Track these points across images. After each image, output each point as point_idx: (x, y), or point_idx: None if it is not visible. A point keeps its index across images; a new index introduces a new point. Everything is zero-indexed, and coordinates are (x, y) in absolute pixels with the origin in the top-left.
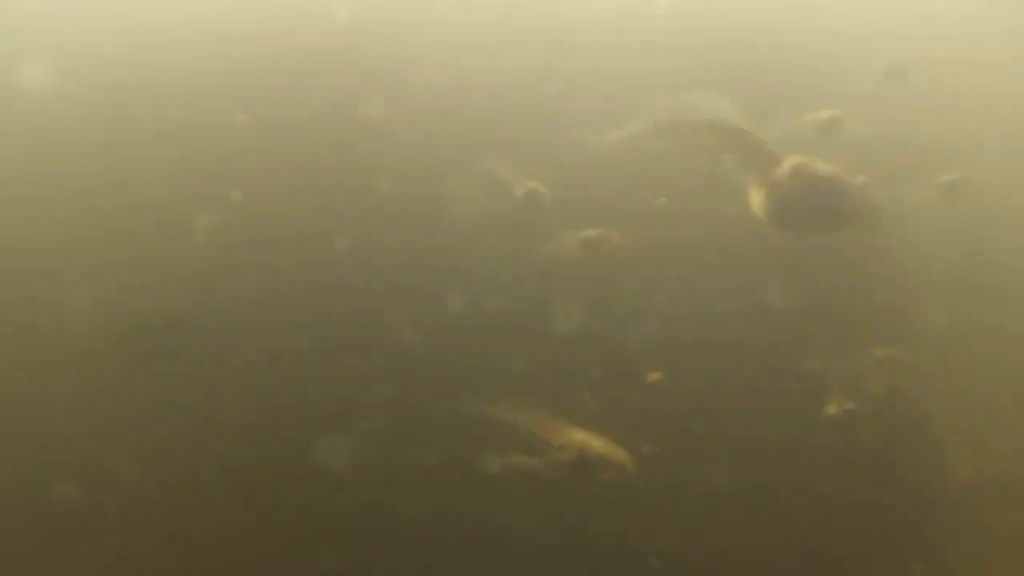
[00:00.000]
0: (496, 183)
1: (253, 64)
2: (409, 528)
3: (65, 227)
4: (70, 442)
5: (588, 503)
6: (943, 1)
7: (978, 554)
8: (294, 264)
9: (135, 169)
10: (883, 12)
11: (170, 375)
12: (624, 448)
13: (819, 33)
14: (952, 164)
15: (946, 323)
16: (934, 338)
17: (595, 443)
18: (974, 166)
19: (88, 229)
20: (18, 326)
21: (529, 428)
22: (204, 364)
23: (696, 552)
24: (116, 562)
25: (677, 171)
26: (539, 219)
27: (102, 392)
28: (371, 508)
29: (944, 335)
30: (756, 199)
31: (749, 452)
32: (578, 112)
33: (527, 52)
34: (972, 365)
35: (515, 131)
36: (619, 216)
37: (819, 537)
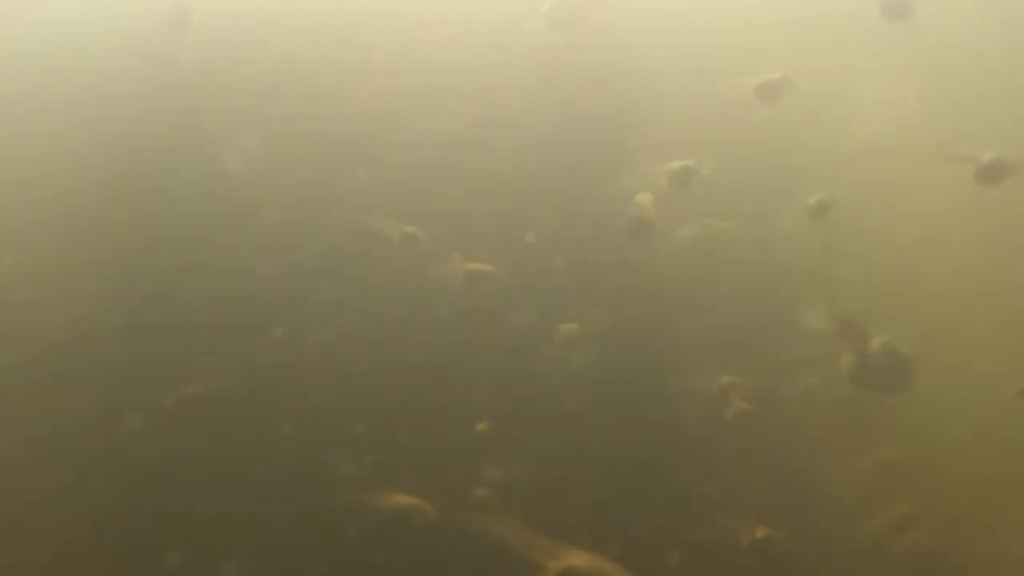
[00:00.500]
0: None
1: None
2: None
3: None
4: None
5: None
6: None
7: None
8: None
9: None
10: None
11: None
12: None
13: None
14: (820, 184)
15: (797, 348)
16: (780, 363)
17: (605, 569)
18: (841, 185)
19: None
20: None
21: (518, 545)
22: None
23: None
24: None
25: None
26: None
27: None
28: None
29: (792, 360)
30: (846, 362)
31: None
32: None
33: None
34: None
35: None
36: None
37: None
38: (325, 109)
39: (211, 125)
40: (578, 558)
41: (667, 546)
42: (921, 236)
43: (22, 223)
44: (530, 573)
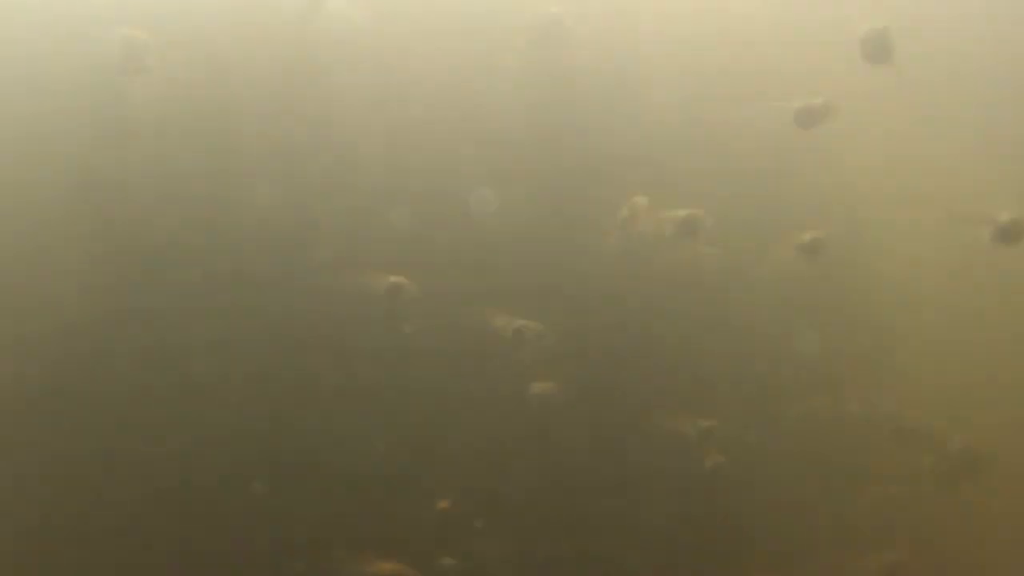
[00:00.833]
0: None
1: None
2: None
3: None
4: None
5: None
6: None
7: None
8: None
9: None
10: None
11: None
12: None
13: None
14: (815, 222)
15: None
16: (759, 409)
17: None
18: (838, 223)
19: None
20: None
21: None
22: None
23: None
24: None
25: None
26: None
27: None
28: None
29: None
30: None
31: None
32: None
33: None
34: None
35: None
36: None
37: None
38: (291, 153)
39: (168, 173)
40: None
41: None
42: (926, 285)
43: None
44: None
